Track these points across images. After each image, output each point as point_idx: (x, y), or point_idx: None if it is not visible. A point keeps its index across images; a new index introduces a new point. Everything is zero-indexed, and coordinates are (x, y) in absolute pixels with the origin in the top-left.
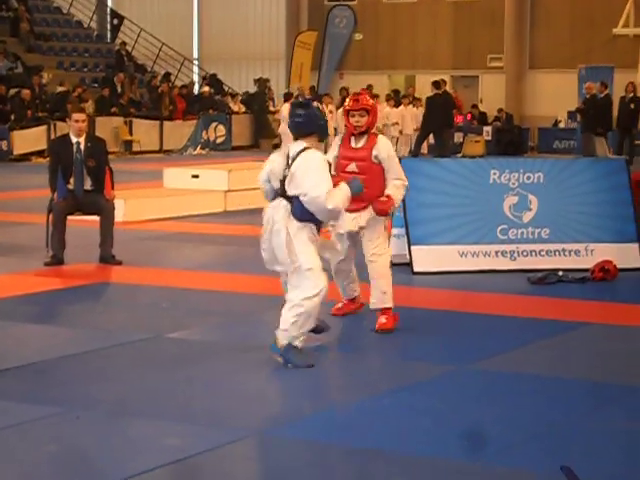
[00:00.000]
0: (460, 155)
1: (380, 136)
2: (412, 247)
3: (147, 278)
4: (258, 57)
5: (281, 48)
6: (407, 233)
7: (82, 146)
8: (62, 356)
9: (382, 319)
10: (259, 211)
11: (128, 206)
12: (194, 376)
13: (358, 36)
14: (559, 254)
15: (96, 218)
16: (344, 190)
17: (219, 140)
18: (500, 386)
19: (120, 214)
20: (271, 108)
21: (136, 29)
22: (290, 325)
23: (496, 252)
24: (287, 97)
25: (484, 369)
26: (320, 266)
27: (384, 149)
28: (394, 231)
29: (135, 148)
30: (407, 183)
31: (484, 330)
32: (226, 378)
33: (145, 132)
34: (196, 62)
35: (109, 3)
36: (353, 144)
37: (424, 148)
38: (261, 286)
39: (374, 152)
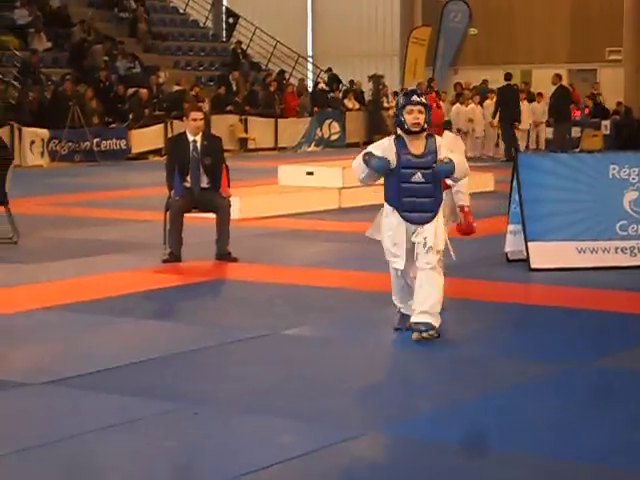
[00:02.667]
0: (578, 150)
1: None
2: (529, 243)
3: (263, 275)
4: (372, 54)
5: (395, 44)
6: (524, 229)
7: (199, 144)
8: (180, 352)
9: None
10: (373, 208)
11: (244, 203)
12: (310, 373)
13: (473, 31)
14: None
15: (212, 215)
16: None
17: (333, 137)
18: (619, 384)
19: (236, 211)
20: (385, 104)
21: (251, 27)
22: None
23: (616, 248)
24: None
25: (603, 367)
26: (389, 249)
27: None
28: (510, 227)
29: (250, 146)
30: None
31: (603, 327)
32: (341, 375)
33: (260, 129)
34: (310, 59)
35: (224, 2)
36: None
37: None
38: (375, 283)
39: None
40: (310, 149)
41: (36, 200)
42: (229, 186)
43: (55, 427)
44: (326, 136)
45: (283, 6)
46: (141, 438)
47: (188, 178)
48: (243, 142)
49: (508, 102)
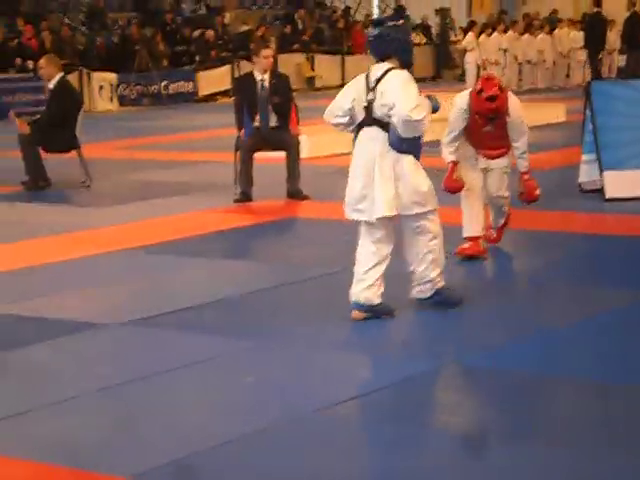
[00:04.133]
0: None
1: (511, 95)
2: (604, 172)
3: (334, 212)
4: None
5: None
6: (598, 158)
7: (267, 83)
8: (254, 290)
9: (492, 232)
10: (438, 143)
11: (313, 142)
12: None
13: None
14: None
15: (282, 154)
16: (427, 103)
17: None
18: None
19: (305, 149)
20: (452, 38)
21: None
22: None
23: None
24: (470, 26)
25: None
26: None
27: (514, 113)
28: (585, 157)
29: (317, 84)
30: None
31: None
32: (417, 307)
33: (327, 67)
34: None
35: None
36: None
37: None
38: (451, 217)
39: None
40: None
41: (107, 144)
42: (298, 124)
43: (137, 365)
44: None
45: None
46: (221, 375)
47: (257, 117)
48: (310, 81)
49: (594, 29)
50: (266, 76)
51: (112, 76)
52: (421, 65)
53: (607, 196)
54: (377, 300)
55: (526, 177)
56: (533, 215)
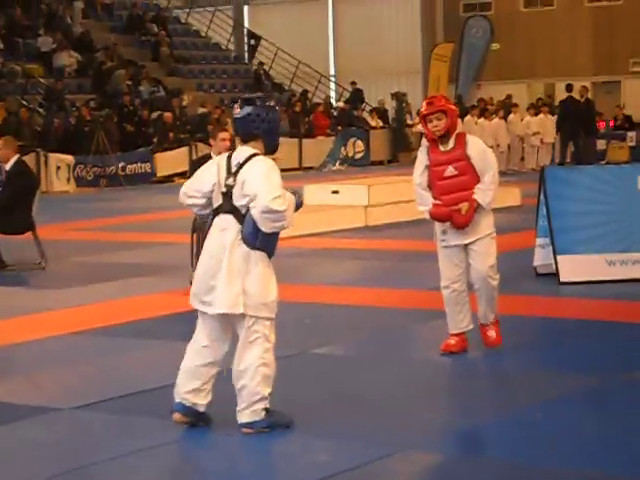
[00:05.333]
0: (604, 162)
1: (469, 135)
2: (558, 256)
3: (290, 294)
4: (395, 71)
5: (417, 61)
6: (552, 242)
7: None
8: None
9: (492, 333)
10: (401, 225)
11: None
12: (341, 391)
13: (495, 46)
14: None
15: None
16: (291, 197)
17: (358, 155)
18: None
19: None
20: (409, 122)
21: (273, 49)
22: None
23: None
24: None
25: (637, 380)
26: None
27: (475, 148)
28: (539, 241)
29: None
30: (496, 183)
31: (635, 340)
32: (373, 393)
33: (285, 150)
34: (333, 79)
35: (246, 24)
36: (442, 148)
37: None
38: (404, 300)
39: (467, 152)
40: (335, 168)
41: (63, 226)
42: None
43: (89, 451)
44: (350, 155)
45: (304, 26)
46: (175, 460)
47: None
48: None
49: (568, 114)
50: None
51: (69, 157)
52: (377, 148)
53: (561, 280)
54: (202, 409)
55: (474, 205)
56: None
